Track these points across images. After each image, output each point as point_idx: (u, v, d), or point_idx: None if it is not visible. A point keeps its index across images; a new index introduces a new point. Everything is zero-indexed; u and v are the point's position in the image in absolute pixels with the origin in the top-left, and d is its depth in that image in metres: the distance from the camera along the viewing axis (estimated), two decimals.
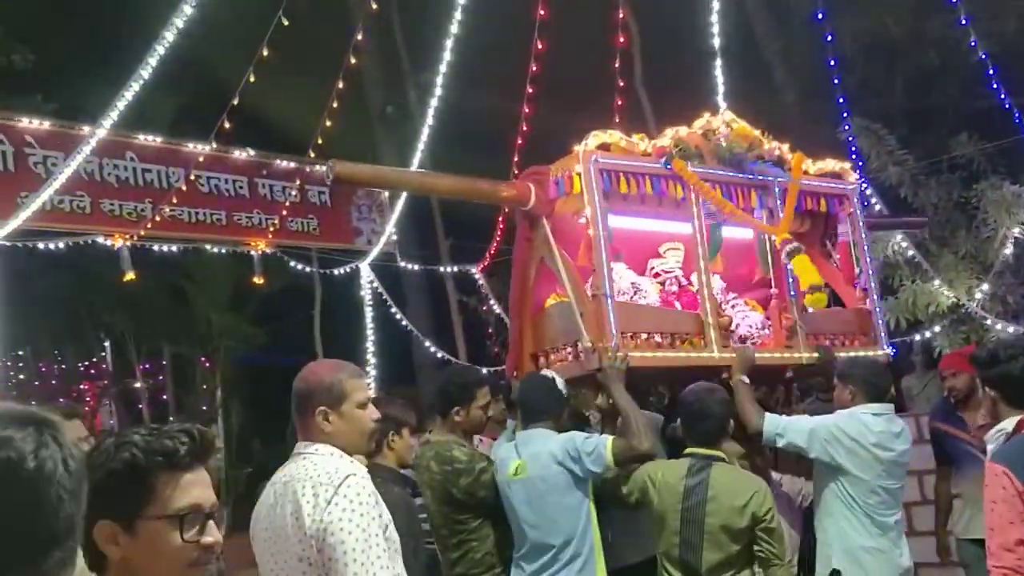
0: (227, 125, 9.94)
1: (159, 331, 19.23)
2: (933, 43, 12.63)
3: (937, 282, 11.65)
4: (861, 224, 6.64)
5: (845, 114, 11.13)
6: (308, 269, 15.14)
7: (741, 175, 6.11)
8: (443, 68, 9.90)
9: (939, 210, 12.17)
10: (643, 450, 4.78)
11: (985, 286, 11.52)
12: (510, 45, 10.50)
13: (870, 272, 6.66)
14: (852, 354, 6.11)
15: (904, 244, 11.62)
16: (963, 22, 10.22)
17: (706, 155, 6.05)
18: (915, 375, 11.40)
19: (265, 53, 8.55)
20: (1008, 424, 4.21)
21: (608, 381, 5.13)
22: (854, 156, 10.71)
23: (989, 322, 11.34)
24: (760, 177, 6.17)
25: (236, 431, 19.07)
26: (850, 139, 11.29)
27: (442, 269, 17.15)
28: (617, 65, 9.67)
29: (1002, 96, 10.46)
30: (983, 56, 10.40)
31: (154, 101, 11.89)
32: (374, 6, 9.89)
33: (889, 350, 6.54)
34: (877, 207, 11.56)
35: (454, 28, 9.23)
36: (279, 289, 16.25)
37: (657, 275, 6.21)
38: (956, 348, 11.33)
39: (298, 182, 13.53)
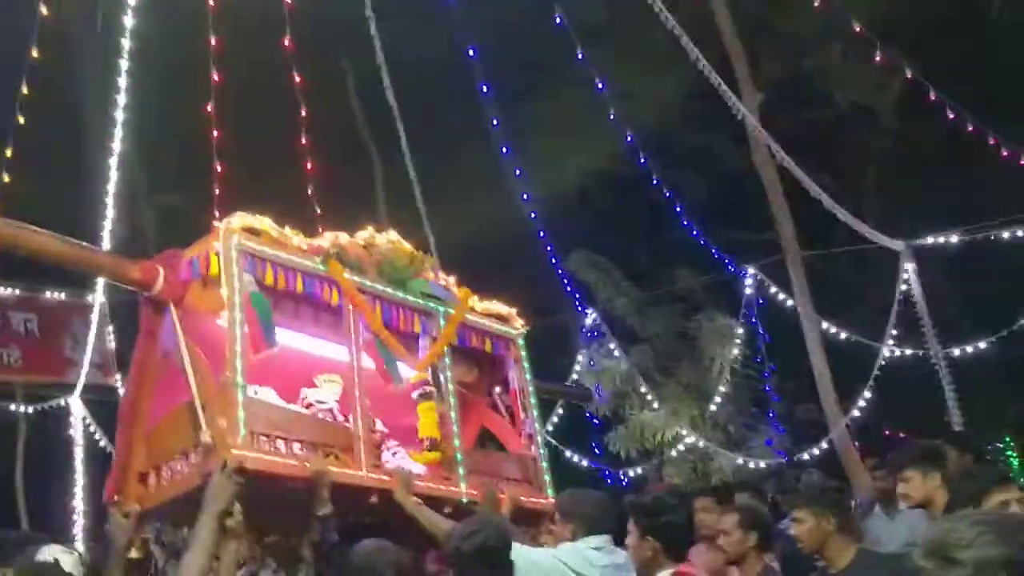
0: None
1: None
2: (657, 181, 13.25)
3: (663, 412, 11.80)
4: (526, 369, 6.37)
5: (549, 247, 11.29)
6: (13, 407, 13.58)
7: (405, 296, 5.68)
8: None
9: (663, 340, 12.50)
10: None
11: (706, 415, 11.78)
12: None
13: (534, 419, 6.33)
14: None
15: (633, 372, 11.80)
16: (642, 161, 10.70)
17: (368, 268, 5.58)
18: None
19: None
20: None
21: (211, 497, 4.14)
22: (571, 291, 10.90)
23: (711, 451, 11.54)
24: (424, 303, 5.77)
25: None
26: (566, 280, 11.47)
27: None
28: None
29: (694, 233, 11.00)
30: (667, 194, 10.94)
31: None
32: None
33: (551, 499, 5.99)
34: (606, 337, 11.78)
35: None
36: None
37: (309, 406, 5.55)
38: (684, 477, 11.40)
39: None
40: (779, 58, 13.18)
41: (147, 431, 5.04)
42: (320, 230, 6.53)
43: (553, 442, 11.93)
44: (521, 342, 6.41)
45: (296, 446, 4.89)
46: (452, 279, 6.16)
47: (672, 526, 4.04)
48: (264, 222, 5.19)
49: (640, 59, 12.15)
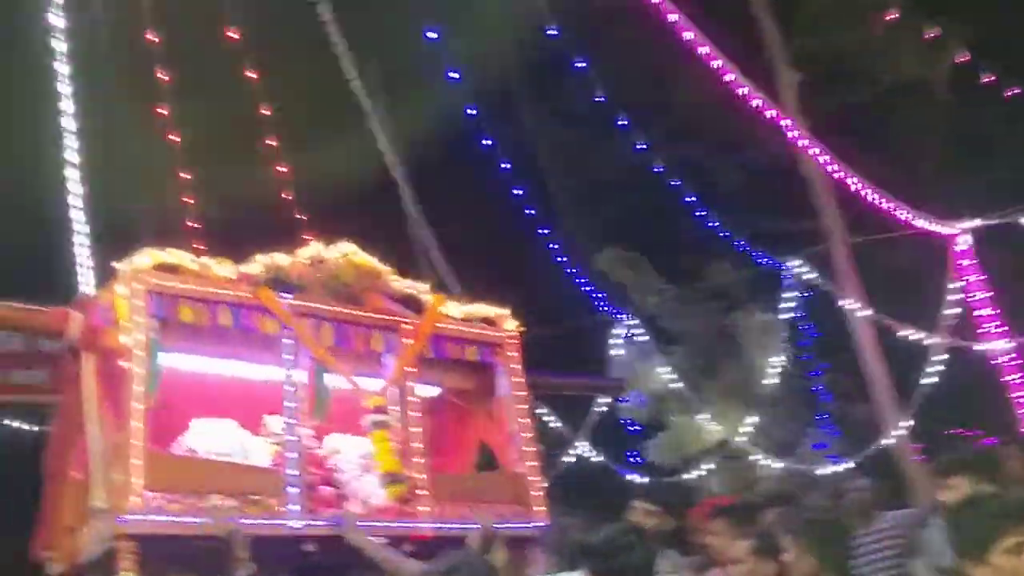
0: None
1: None
2: (691, 173, 12.49)
3: (704, 416, 11.08)
4: (520, 376, 5.80)
5: (553, 237, 10.65)
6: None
7: (360, 313, 5.29)
8: None
9: (702, 339, 11.77)
10: None
11: (754, 419, 11.02)
12: None
13: (527, 430, 5.77)
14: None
15: (669, 375, 11.13)
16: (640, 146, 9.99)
17: (313, 287, 5.20)
18: None
19: None
20: None
21: None
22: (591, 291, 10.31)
23: (753, 458, 10.80)
24: (385, 317, 5.35)
25: None
26: (579, 280, 10.81)
27: None
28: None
29: (723, 233, 10.31)
30: (693, 197, 10.24)
31: None
32: None
33: (541, 525, 5.51)
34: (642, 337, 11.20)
35: None
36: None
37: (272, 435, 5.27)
38: (729, 487, 10.75)
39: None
40: (817, 34, 12.25)
41: (75, 484, 4.81)
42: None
43: (590, 452, 11.39)
44: (513, 347, 5.82)
45: (215, 498, 4.52)
46: (423, 285, 5.72)
47: (628, 568, 3.47)
48: (180, 256, 4.86)
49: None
